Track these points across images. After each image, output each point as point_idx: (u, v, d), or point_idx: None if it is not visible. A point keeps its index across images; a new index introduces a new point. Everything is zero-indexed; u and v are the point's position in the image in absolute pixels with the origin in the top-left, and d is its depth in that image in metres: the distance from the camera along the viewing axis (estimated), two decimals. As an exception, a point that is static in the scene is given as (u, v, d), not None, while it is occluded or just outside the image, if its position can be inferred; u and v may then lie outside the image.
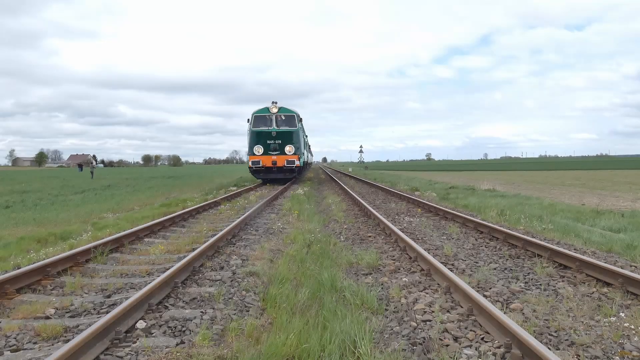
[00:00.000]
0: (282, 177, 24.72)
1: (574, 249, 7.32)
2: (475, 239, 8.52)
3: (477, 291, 4.92)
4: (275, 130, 24.13)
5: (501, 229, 8.64)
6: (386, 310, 4.64)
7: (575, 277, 5.77)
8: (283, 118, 24.72)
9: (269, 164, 23.98)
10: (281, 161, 24.01)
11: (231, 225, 8.72)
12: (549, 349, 3.51)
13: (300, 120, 25.83)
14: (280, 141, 24.08)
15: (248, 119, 24.64)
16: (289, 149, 24.05)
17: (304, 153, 28.85)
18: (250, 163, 24.25)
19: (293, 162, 24.05)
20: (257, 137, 24.16)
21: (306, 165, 40.02)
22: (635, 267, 6.30)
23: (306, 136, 38.58)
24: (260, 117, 24.54)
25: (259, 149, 23.98)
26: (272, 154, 24.04)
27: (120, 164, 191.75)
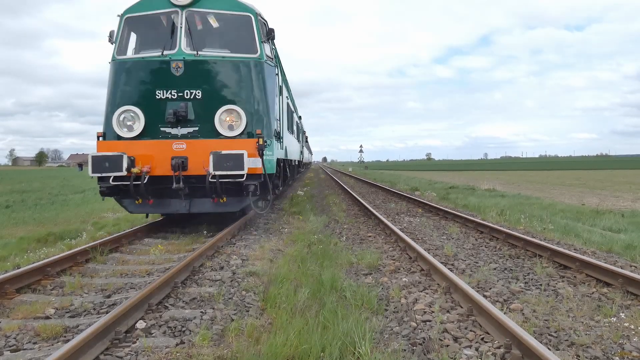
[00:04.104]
0: (208, 210, 8.11)
1: (574, 249, 7.32)
2: (476, 239, 8.52)
3: (477, 291, 4.92)
4: (185, 58, 7.89)
5: (501, 229, 8.65)
6: (386, 310, 4.64)
7: (575, 277, 5.77)
8: (210, 26, 8.47)
9: (163, 168, 7.67)
10: (198, 156, 7.60)
11: (231, 226, 8.71)
12: (549, 349, 3.51)
13: (270, 38, 8.87)
14: (199, 93, 7.89)
15: (110, 33, 8.38)
16: (227, 118, 7.94)
17: (281, 137, 10.40)
18: (90, 165, 7.41)
19: (239, 159, 7.36)
20: (127, 83, 8.16)
21: (296, 167, 21.02)
22: (635, 267, 6.30)
23: (297, 114, 20.12)
24: (141, 22, 8.57)
25: (131, 119, 7.96)
26: (171, 133, 7.89)
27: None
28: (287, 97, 13.43)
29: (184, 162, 7.61)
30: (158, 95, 7.89)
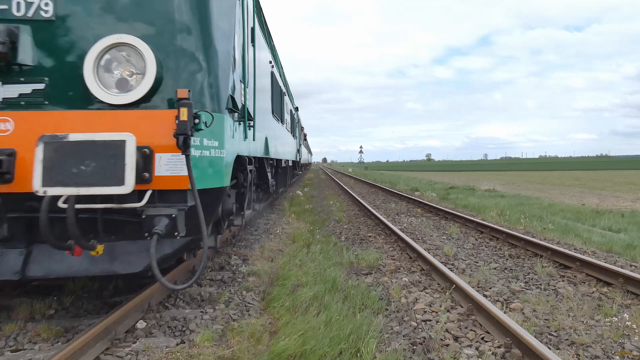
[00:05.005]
0: (71, 273, 3.44)
1: (574, 249, 7.33)
2: (476, 239, 8.53)
3: (477, 291, 4.93)
4: None
5: (501, 229, 8.66)
6: (386, 310, 4.64)
7: (575, 276, 5.77)
8: None
9: None
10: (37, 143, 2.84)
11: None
12: (549, 348, 3.51)
13: None
14: (47, 5, 3.26)
15: None
16: (112, 63, 3.29)
17: (251, 117, 5.02)
18: None
19: (113, 156, 2.86)
20: None
21: (290, 169, 17.17)
22: (636, 266, 6.30)
23: (293, 102, 17.11)
24: None
25: None
26: None
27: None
28: (271, 62, 8.12)
29: (6, 163, 3.13)
30: None
